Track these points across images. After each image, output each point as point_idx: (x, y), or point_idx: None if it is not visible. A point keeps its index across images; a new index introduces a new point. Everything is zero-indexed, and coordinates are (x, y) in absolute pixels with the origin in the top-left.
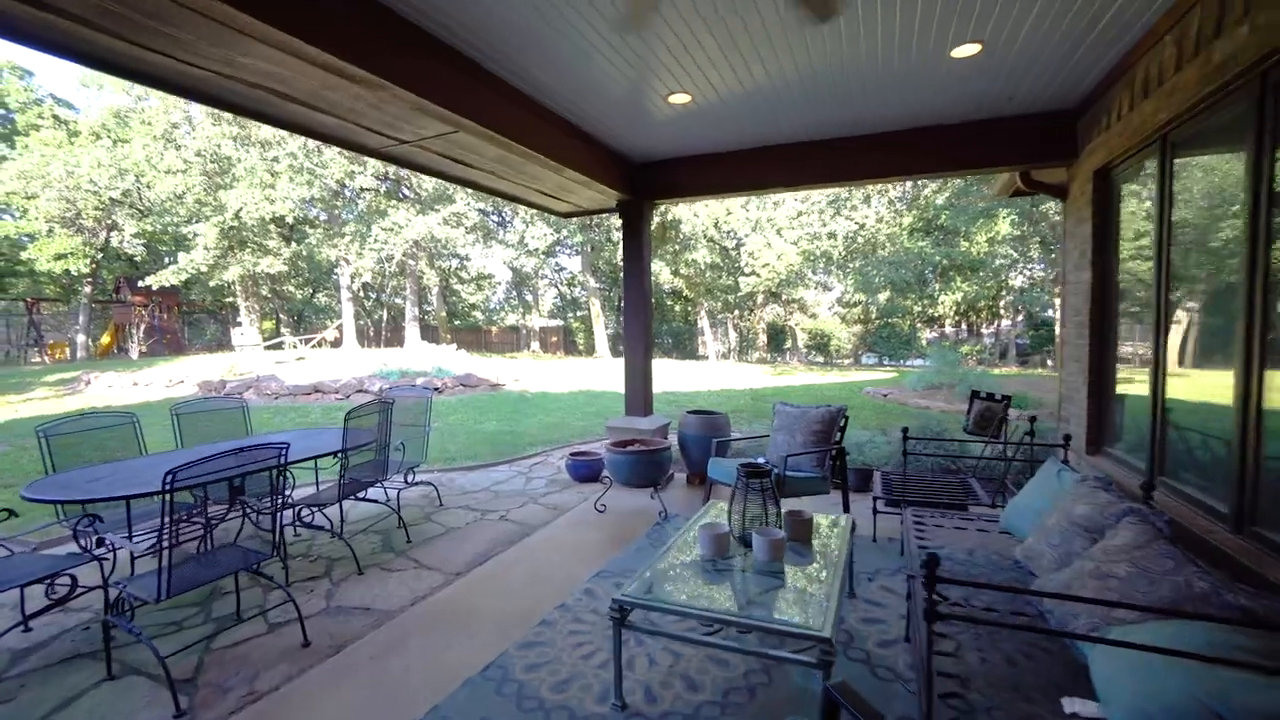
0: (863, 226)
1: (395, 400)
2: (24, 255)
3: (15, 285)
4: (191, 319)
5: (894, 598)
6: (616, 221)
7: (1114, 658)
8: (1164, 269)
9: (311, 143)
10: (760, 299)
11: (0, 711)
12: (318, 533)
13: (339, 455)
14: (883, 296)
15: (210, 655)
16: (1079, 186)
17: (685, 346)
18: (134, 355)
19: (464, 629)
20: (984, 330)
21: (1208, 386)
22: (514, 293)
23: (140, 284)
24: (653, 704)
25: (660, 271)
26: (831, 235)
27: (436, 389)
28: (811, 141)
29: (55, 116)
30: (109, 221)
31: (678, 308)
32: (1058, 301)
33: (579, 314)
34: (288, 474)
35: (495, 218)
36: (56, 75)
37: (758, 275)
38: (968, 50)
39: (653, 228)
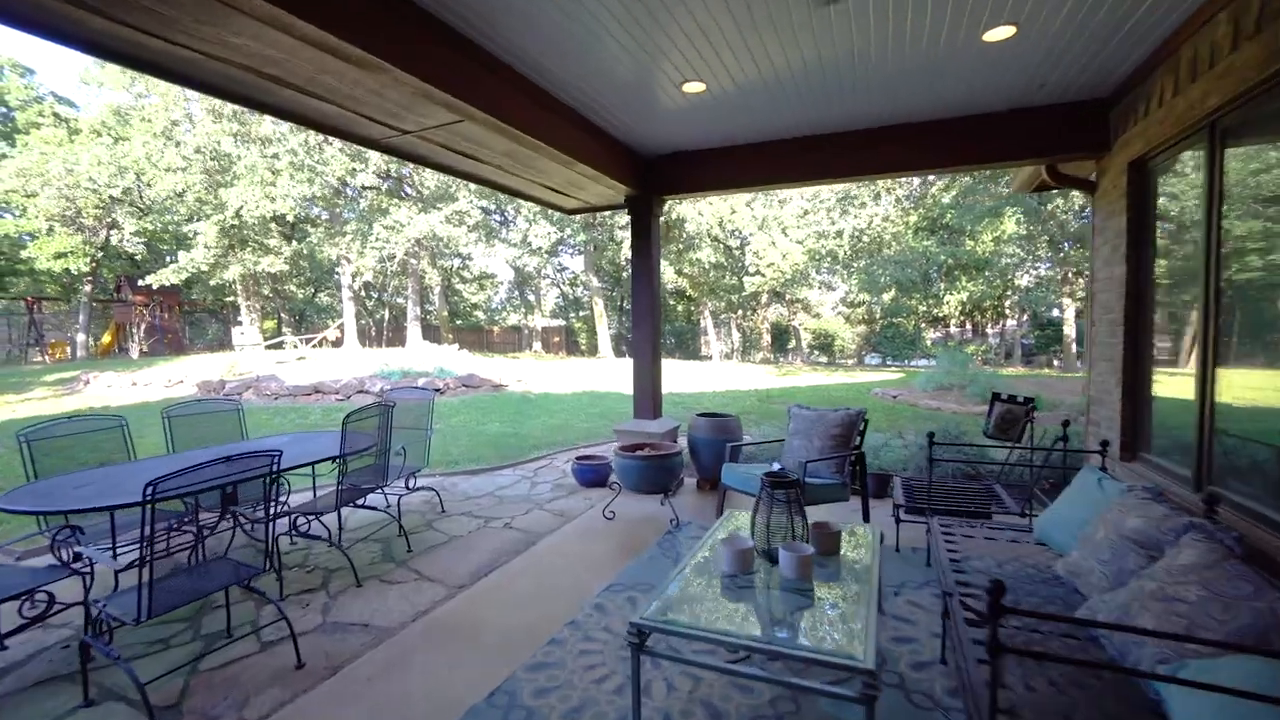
0: (870, 225)
1: (396, 402)
2: (24, 254)
3: (16, 284)
4: (193, 318)
5: (923, 614)
6: (619, 220)
7: (1197, 695)
8: (1213, 261)
9: (312, 140)
10: (764, 299)
11: None
12: (314, 542)
13: (337, 461)
14: (887, 296)
15: (197, 678)
16: (1111, 179)
17: (688, 346)
18: (135, 355)
19: (468, 647)
20: (989, 330)
21: (1267, 387)
22: (516, 292)
23: (141, 283)
24: None
25: (664, 271)
26: (839, 234)
27: (438, 390)
28: (827, 135)
29: (56, 114)
30: (109, 220)
31: (681, 307)
32: (1066, 301)
33: (581, 314)
34: (282, 481)
35: (498, 216)
36: (57, 73)
37: (762, 275)
38: (1002, 33)
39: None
